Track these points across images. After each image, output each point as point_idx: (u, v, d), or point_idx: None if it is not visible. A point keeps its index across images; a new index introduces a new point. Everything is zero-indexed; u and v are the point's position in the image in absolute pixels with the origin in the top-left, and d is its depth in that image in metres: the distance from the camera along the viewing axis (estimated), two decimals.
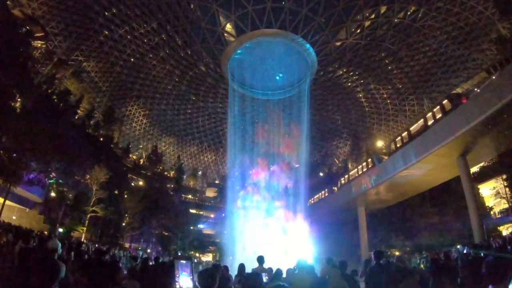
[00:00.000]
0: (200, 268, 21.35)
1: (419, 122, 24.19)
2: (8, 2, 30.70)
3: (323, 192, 40.37)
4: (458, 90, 36.78)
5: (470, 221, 18.99)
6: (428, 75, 43.31)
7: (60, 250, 5.12)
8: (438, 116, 20.67)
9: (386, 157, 29.09)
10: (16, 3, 33.15)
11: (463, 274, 7.70)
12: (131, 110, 55.04)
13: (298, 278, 6.37)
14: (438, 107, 21.44)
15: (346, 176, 35.78)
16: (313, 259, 23.77)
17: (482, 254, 8.97)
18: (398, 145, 25.40)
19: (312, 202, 41.60)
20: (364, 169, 30.63)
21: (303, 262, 7.05)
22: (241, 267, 7.57)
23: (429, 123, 21.70)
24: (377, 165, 28.34)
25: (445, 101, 21.16)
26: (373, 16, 35.42)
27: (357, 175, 31.78)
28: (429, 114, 22.44)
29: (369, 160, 31.01)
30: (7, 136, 21.76)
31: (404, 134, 25.48)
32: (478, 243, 15.29)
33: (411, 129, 24.85)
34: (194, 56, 43.24)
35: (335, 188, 37.36)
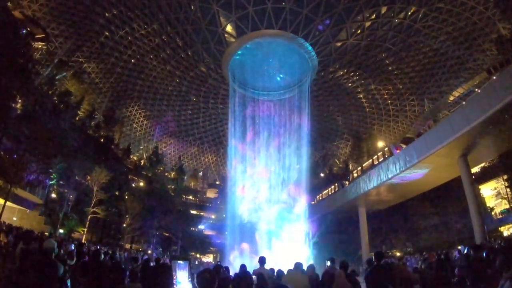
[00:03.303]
0: (201, 269, 21.30)
1: (369, 161, 33.70)
2: (8, 4, 30.75)
3: (319, 195, 42.10)
4: (459, 91, 36.81)
5: (471, 221, 18.95)
6: (429, 75, 43.27)
7: (56, 250, 5.10)
8: (381, 159, 28.67)
9: (347, 182, 35.77)
10: (16, 5, 33.22)
11: (464, 274, 7.69)
12: (132, 111, 55.09)
13: (299, 278, 6.37)
14: (380, 153, 30.58)
15: (320, 194, 41.88)
16: (313, 260, 23.77)
17: (484, 255, 8.94)
18: (355, 175, 33.73)
19: (313, 203, 41.63)
20: (332, 191, 38.19)
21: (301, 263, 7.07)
22: (243, 267, 7.55)
23: (375, 163, 29.82)
24: (341, 189, 34.64)
25: (386, 148, 30.02)
26: (373, 16, 35.37)
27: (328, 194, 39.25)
28: (375, 157, 31.37)
29: (336, 184, 38.23)
30: (8, 137, 21.79)
31: (359, 168, 35.03)
32: (479, 244, 15.23)
33: (363, 165, 34.20)
34: (194, 57, 43.25)
35: (314, 201, 42.10)
